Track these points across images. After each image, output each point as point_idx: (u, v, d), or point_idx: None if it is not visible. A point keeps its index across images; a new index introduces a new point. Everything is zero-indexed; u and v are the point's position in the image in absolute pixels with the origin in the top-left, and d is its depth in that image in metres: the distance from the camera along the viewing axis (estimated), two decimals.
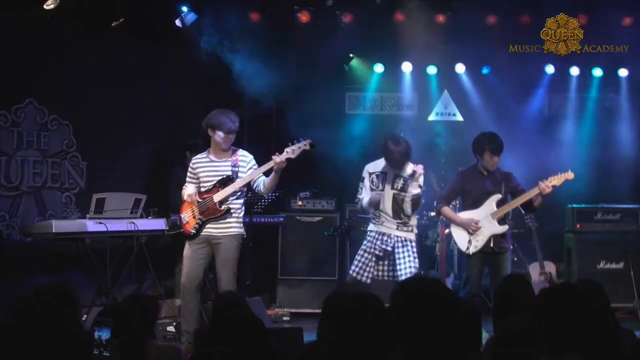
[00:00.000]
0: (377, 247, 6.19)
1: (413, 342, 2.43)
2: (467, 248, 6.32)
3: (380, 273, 6.22)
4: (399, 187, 6.16)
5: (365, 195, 6.24)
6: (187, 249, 5.88)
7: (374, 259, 6.18)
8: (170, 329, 6.73)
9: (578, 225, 8.16)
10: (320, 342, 2.80)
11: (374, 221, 6.26)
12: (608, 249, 8.02)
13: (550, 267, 7.84)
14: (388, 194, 6.16)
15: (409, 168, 6.07)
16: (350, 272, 6.22)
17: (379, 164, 6.26)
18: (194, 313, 5.76)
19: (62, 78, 7.01)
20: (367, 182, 6.26)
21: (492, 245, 6.27)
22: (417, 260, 6.16)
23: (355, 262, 6.22)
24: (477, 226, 6.25)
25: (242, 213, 5.97)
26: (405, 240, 6.15)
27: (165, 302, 7.52)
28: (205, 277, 6.31)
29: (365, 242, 6.28)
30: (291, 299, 8.00)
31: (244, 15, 8.08)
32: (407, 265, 6.09)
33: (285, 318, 7.59)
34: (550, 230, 8.30)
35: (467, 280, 6.38)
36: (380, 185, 6.19)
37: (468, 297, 6.20)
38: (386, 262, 6.21)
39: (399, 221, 6.17)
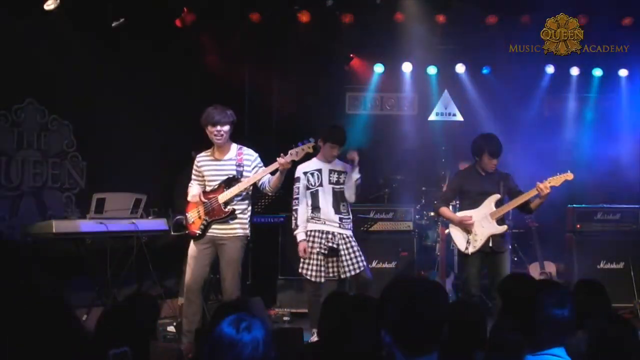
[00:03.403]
0: (322, 245, 6.17)
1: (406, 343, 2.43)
2: (466, 248, 6.32)
3: (329, 270, 6.23)
4: (334, 181, 6.27)
5: (300, 211, 6.21)
6: (192, 249, 5.87)
7: (322, 257, 6.17)
8: (171, 329, 6.72)
9: (578, 225, 8.15)
10: (320, 342, 2.80)
11: (314, 220, 6.22)
12: (608, 249, 8.01)
13: (550, 267, 7.85)
14: (327, 189, 6.24)
15: (340, 163, 6.28)
16: (309, 277, 6.14)
17: (311, 163, 6.31)
18: (198, 314, 5.75)
19: (62, 78, 7.01)
20: (302, 182, 6.25)
21: (491, 245, 6.27)
22: (362, 255, 6.24)
23: (307, 267, 6.15)
24: (471, 221, 6.25)
25: (249, 214, 5.95)
26: (347, 237, 6.23)
27: (166, 302, 7.52)
28: (206, 278, 6.30)
29: (310, 243, 6.19)
30: (291, 299, 7.98)
31: (244, 16, 8.09)
32: (354, 261, 6.15)
33: (285, 318, 7.60)
34: (550, 230, 8.30)
35: (466, 281, 6.37)
36: (317, 182, 6.25)
37: (467, 297, 6.19)
38: (331, 260, 6.23)
39: (340, 216, 6.22)
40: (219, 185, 5.81)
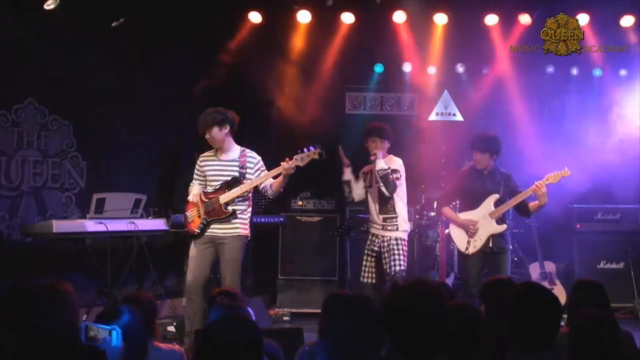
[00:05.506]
0: (370, 248, 6.36)
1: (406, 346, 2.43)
2: (466, 248, 6.33)
3: (381, 269, 6.30)
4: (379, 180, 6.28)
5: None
6: (192, 249, 5.88)
7: (370, 259, 6.33)
8: (171, 329, 6.72)
9: (578, 225, 8.16)
10: (320, 342, 2.80)
11: (368, 223, 6.46)
12: (608, 249, 8.02)
13: (550, 267, 7.84)
14: (375, 188, 6.32)
15: (394, 160, 6.33)
16: (361, 278, 6.35)
17: (369, 165, 6.43)
18: (199, 313, 5.75)
19: (62, 78, 7.00)
20: (360, 180, 6.47)
21: (490, 245, 6.27)
22: (402, 260, 6.17)
23: (362, 267, 6.37)
24: (476, 228, 6.26)
25: (249, 214, 5.96)
26: (390, 240, 6.22)
27: (166, 302, 7.52)
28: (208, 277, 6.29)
29: (366, 245, 6.44)
30: (291, 299, 8.00)
31: (244, 16, 8.08)
32: (391, 265, 6.14)
33: (285, 318, 7.61)
34: (550, 230, 8.29)
35: (466, 281, 6.37)
36: (368, 182, 6.39)
37: (467, 297, 6.19)
38: (380, 260, 6.32)
39: (384, 216, 6.26)
40: (221, 186, 5.81)
